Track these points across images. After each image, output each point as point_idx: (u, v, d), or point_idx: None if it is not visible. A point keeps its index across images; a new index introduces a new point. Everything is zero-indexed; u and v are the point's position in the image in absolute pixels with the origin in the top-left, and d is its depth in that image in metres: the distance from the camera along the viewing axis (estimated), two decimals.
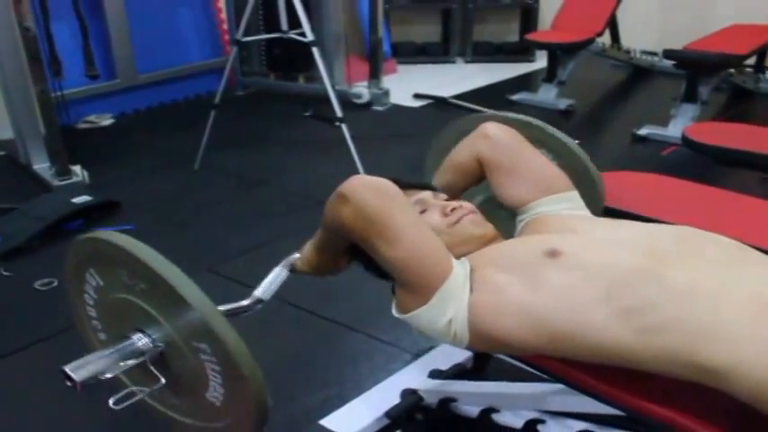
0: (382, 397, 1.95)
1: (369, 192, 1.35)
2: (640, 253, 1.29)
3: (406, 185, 1.50)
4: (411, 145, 4.08)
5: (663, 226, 1.44)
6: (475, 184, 1.73)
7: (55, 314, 2.39)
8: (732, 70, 5.04)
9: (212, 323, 1.19)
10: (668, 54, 4.54)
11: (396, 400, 1.91)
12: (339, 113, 3.64)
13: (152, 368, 1.30)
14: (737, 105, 5.14)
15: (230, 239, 3.08)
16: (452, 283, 1.34)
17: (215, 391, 1.30)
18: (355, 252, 1.57)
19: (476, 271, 1.38)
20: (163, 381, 1.30)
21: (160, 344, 1.29)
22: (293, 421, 1.98)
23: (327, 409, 1.98)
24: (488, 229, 1.54)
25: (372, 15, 4.93)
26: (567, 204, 1.57)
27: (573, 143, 1.77)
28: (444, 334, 1.37)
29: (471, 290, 1.35)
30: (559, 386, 1.58)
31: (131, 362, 1.28)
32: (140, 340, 1.29)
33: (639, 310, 1.20)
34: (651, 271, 1.23)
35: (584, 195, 1.64)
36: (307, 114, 4.46)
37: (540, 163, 1.63)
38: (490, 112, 1.89)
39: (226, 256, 2.92)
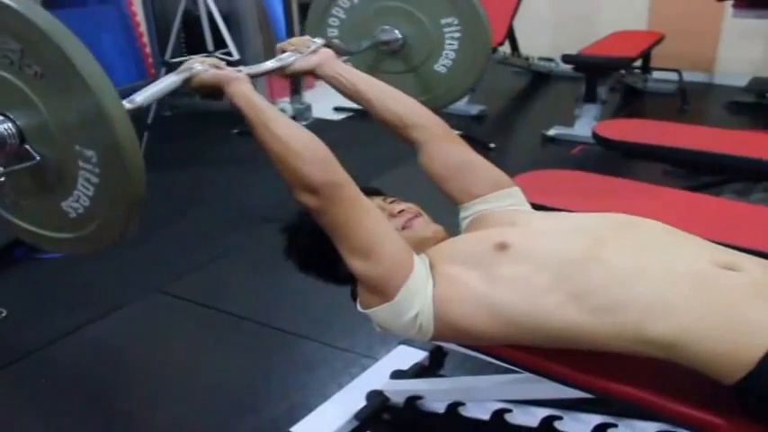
0: (348, 400, 1.99)
1: (344, 203, 1.39)
2: (582, 240, 1.38)
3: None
4: (336, 156, 4.15)
5: (597, 214, 1.52)
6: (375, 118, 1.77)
7: None
8: (623, 72, 5.34)
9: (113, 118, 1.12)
10: (567, 59, 4.76)
11: (361, 402, 1.95)
12: None
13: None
14: (631, 104, 5.45)
15: (177, 259, 3.07)
16: (416, 279, 1.40)
17: (76, 201, 1.24)
18: (311, 266, 1.63)
19: (434, 266, 1.45)
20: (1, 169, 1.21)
21: (27, 136, 1.19)
22: (261, 429, 2.01)
23: (294, 418, 2.00)
24: (438, 229, 1.62)
25: (290, 32, 5.01)
26: (510, 201, 1.65)
27: None
28: (409, 327, 1.42)
29: (434, 284, 1.42)
30: (522, 375, 1.64)
31: None
32: (3, 123, 1.19)
33: (589, 294, 1.28)
34: (595, 256, 1.33)
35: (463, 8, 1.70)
36: (235, 132, 4.47)
37: (483, 161, 1.71)
38: None
39: (174, 275, 2.90)
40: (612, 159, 3.87)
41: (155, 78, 4.78)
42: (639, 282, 1.27)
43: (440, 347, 2.19)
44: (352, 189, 1.41)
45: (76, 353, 2.42)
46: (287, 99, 5.20)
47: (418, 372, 2.09)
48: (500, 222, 1.56)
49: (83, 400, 2.19)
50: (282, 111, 4.84)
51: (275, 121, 1.45)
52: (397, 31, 2.09)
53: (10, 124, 1.21)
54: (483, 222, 1.60)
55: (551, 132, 4.60)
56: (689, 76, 5.51)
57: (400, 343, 2.26)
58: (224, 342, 2.44)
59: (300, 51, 1.77)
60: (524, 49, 6.15)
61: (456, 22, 2.06)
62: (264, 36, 5.37)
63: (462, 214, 1.67)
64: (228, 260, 3.04)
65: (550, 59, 6.36)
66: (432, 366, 2.16)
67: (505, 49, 5.94)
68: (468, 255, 1.46)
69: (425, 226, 1.61)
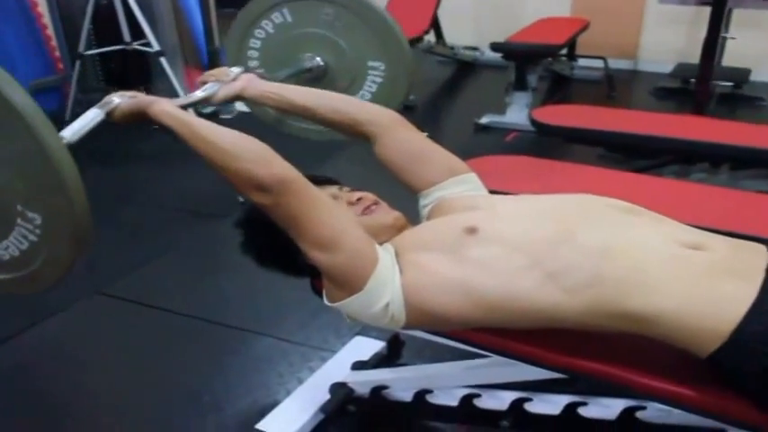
0: (311, 394, 1.96)
1: (298, 197, 1.37)
2: (551, 221, 1.40)
3: (312, 179, 1.51)
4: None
5: (561, 196, 1.54)
6: (323, 125, 1.77)
7: None
8: (551, 59, 5.42)
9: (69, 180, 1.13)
10: (495, 47, 4.76)
11: (325, 395, 1.92)
12: None
13: None
14: (559, 91, 5.55)
15: (112, 260, 2.94)
16: (383, 269, 1.39)
17: (4, 250, 1.23)
18: (270, 260, 1.61)
19: (401, 255, 1.44)
20: None
21: None
22: (227, 429, 1.96)
23: (259, 414, 1.96)
24: (397, 216, 1.61)
25: (207, 26, 4.86)
26: (467, 186, 1.65)
27: (394, 22, 1.86)
28: (380, 317, 1.42)
29: (401, 272, 1.41)
30: (489, 359, 1.64)
31: None
32: None
33: (563, 273, 1.30)
34: (564, 236, 1.34)
35: (392, 55, 1.73)
36: (155, 127, 4.33)
37: (439, 149, 1.71)
38: None
39: (113, 276, 2.80)
40: (547, 145, 3.94)
41: (63, 74, 4.61)
42: (612, 259, 1.29)
43: (397, 336, 2.19)
44: (301, 182, 1.39)
45: (16, 359, 2.31)
46: None
47: (379, 362, 2.08)
48: (462, 208, 1.56)
49: (26, 407, 2.09)
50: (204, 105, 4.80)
51: (207, 129, 1.43)
52: (318, 59, 2.09)
53: None
54: (444, 209, 1.60)
55: (483, 120, 4.64)
56: (614, 64, 5.65)
57: (356, 334, 2.26)
58: (173, 342, 2.37)
59: (221, 80, 1.75)
60: (449, 38, 6.20)
61: (382, 68, 2.08)
62: (179, 27, 5.25)
63: (422, 202, 1.66)
64: (167, 258, 2.95)
65: (475, 48, 6.42)
66: (391, 356, 2.15)
67: (430, 38, 5.97)
68: (436, 241, 1.45)
69: (386, 213, 1.60)
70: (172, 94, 4.77)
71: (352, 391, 1.91)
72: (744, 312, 1.19)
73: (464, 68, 6.35)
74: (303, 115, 1.76)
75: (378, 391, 1.86)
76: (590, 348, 1.38)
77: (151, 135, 4.32)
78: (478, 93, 5.72)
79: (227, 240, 3.01)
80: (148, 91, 5.29)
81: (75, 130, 1.40)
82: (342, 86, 1.96)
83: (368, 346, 2.17)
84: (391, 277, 1.40)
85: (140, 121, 1.52)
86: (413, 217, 1.65)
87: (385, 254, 1.43)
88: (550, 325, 1.35)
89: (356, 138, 1.73)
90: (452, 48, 6.28)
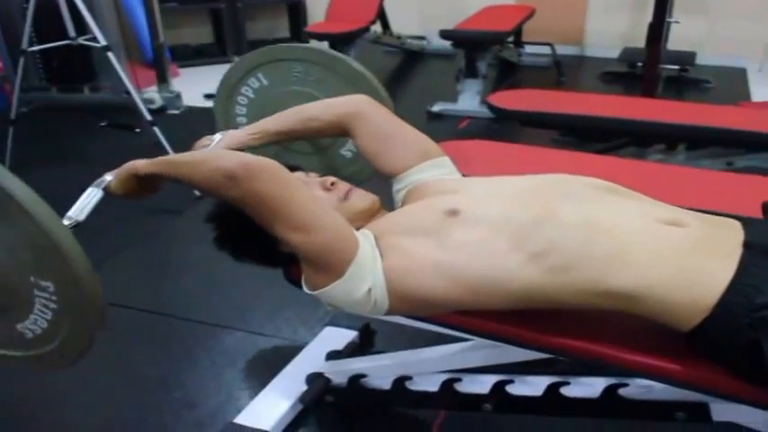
0: (287, 386, 1.93)
1: (266, 179, 1.35)
2: (530, 201, 1.40)
3: None
4: None
5: (537, 176, 1.53)
6: (313, 139, 1.82)
7: None
8: (499, 47, 5.45)
9: (76, 262, 1.16)
10: (445, 34, 4.77)
11: (301, 386, 1.89)
12: (148, 117, 3.51)
13: None
14: (509, 77, 5.60)
15: None
16: (363, 254, 1.37)
17: (33, 324, 1.25)
18: (246, 252, 1.59)
19: (380, 240, 1.42)
20: None
21: None
22: (204, 425, 1.93)
23: (235, 408, 1.94)
24: (374, 200, 1.59)
25: (151, 21, 4.80)
26: (442, 170, 1.65)
27: (361, 67, 1.88)
28: (363, 304, 1.40)
29: (382, 257, 1.39)
30: (467, 344, 1.64)
31: None
32: None
33: (546, 253, 1.29)
34: (546, 216, 1.33)
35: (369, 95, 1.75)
36: (103, 125, 4.24)
37: (411, 131, 1.70)
38: (281, 45, 1.97)
39: None
40: (500, 131, 3.98)
41: (3, 73, 4.45)
42: (595, 237, 1.29)
43: (368, 326, 2.17)
44: (273, 165, 1.38)
45: None
46: (154, 88, 4.98)
47: (354, 350, 2.06)
48: (439, 191, 1.55)
49: None
50: (151, 101, 4.72)
51: (186, 155, 1.51)
52: None
53: None
54: (420, 192, 1.58)
55: (436, 108, 4.65)
56: (561, 50, 5.71)
57: (326, 325, 2.23)
58: (140, 339, 2.32)
59: (206, 145, 1.72)
60: (395, 28, 6.19)
61: None
62: (119, 22, 5.15)
63: (397, 186, 1.65)
64: (124, 256, 2.88)
65: (422, 37, 6.43)
66: (364, 344, 2.14)
67: (377, 28, 5.95)
68: (418, 225, 1.44)
69: (363, 197, 1.59)
70: (118, 90, 4.66)
71: (328, 381, 1.89)
72: (725, 285, 1.20)
73: (411, 58, 6.36)
74: (291, 138, 1.76)
75: (355, 380, 1.84)
76: (573, 327, 1.39)
77: (96, 133, 4.25)
78: (428, 81, 5.73)
79: (184, 236, 3.01)
80: (93, 88, 5.21)
81: (81, 208, 1.48)
82: (326, 142, 1.98)
83: (339, 336, 2.14)
84: (372, 262, 1.38)
85: (139, 187, 1.53)
86: (387, 202, 1.64)
87: (364, 239, 1.41)
88: (535, 305, 1.35)
89: (342, 136, 1.75)
90: (399, 37, 6.27)
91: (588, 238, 1.29)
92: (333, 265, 1.37)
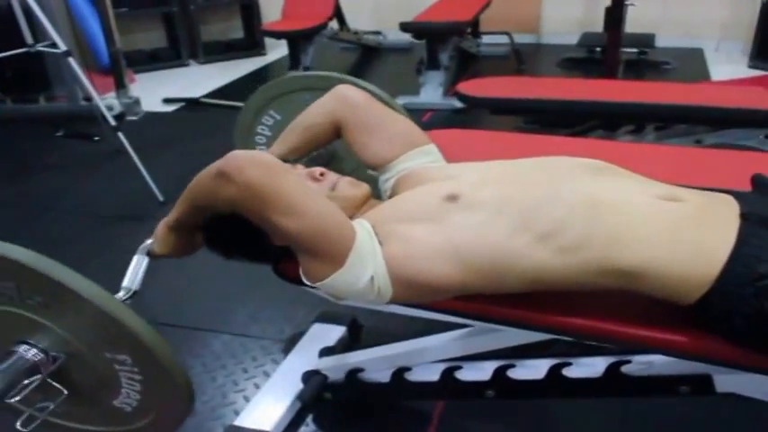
0: (283, 386, 1.91)
1: (256, 169, 1.32)
2: (528, 183, 1.39)
3: None
4: (183, 146, 4.02)
5: (531, 159, 1.52)
6: (323, 146, 1.78)
7: None
8: (458, 38, 5.46)
9: (142, 334, 1.18)
10: (405, 27, 4.74)
11: (297, 385, 1.87)
12: (112, 122, 3.43)
13: (51, 381, 1.24)
14: (469, 68, 5.60)
15: None
16: (362, 242, 1.35)
17: (128, 398, 1.27)
18: (237, 249, 1.58)
19: (378, 228, 1.40)
20: (65, 392, 1.25)
21: (58, 354, 1.23)
22: (202, 429, 1.89)
23: (232, 411, 1.92)
24: (365, 188, 1.58)
25: (107, 27, 4.72)
26: (430, 158, 1.64)
27: (371, 85, 1.86)
28: (366, 292, 1.37)
29: (381, 245, 1.37)
30: (464, 330, 1.63)
31: (27, 381, 1.20)
32: (28, 352, 1.22)
33: (554, 233, 1.28)
34: (548, 196, 1.33)
35: None
36: (60, 134, 4.15)
37: (398, 119, 1.69)
38: (289, 74, 1.96)
39: None
40: (464, 121, 3.98)
41: None
42: (600, 215, 1.28)
43: (355, 319, 2.16)
44: (261, 155, 1.38)
45: None
46: (113, 94, 4.87)
47: (346, 346, 2.04)
48: (433, 177, 1.54)
49: None
50: (110, 107, 4.64)
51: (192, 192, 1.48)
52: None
53: (35, 350, 1.23)
54: (411, 180, 1.57)
55: (399, 102, 4.61)
56: (518, 39, 5.73)
57: (313, 322, 2.20)
58: None
59: None
60: (351, 23, 6.17)
61: None
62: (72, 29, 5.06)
63: (385, 176, 1.64)
64: (92, 265, 2.81)
65: (378, 32, 6.42)
66: (353, 339, 2.12)
67: (333, 24, 5.93)
68: (416, 211, 1.41)
69: (354, 186, 1.57)
70: (74, 99, 4.58)
71: (326, 377, 1.86)
72: (727, 256, 1.20)
73: (368, 53, 6.35)
74: (305, 151, 1.75)
75: (353, 374, 1.82)
76: (574, 307, 1.38)
77: (53, 143, 4.15)
78: (387, 76, 5.71)
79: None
80: (48, 98, 5.09)
81: (133, 277, 1.53)
82: (349, 168, 1.93)
83: (329, 332, 2.12)
84: (372, 250, 1.36)
85: (179, 242, 1.57)
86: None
87: (361, 228, 1.39)
88: (541, 287, 1.33)
89: (339, 137, 1.72)
90: (356, 33, 6.25)
91: (594, 216, 1.28)
92: (332, 254, 1.35)
